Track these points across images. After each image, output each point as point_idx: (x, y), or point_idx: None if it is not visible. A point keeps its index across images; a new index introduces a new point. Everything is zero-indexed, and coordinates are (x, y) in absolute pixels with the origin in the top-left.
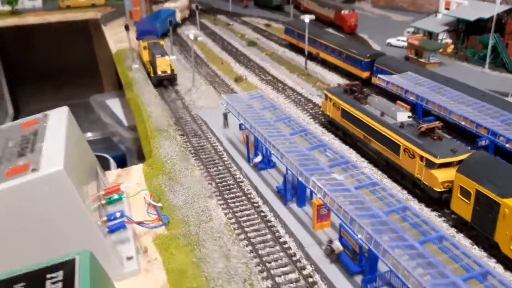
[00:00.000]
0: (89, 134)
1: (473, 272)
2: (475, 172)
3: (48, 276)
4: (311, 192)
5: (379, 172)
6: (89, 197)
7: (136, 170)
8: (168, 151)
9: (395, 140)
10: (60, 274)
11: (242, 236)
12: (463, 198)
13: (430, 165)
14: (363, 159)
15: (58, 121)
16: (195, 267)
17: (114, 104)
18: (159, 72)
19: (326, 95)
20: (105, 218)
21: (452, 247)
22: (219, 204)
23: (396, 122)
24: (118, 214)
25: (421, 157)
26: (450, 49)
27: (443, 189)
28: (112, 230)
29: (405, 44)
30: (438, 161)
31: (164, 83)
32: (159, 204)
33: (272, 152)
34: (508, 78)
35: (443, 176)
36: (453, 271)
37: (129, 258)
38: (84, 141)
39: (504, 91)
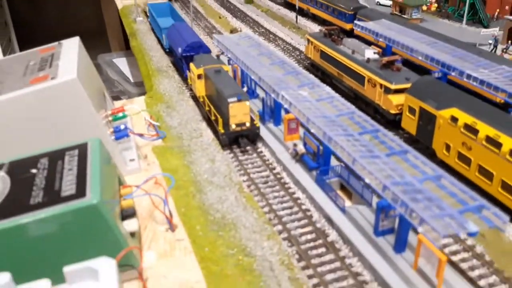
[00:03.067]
0: None
1: (428, 175)
2: (420, 92)
3: (67, 153)
4: (285, 111)
5: (348, 104)
6: (98, 109)
7: (139, 100)
8: (167, 87)
9: (361, 73)
10: (76, 152)
11: (226, 148)
12: (410, 115)
13: (387, 91)
14: (336, 94)
15: (71, 46)
16: (185, 167)
17: (121, 62)
18: (232, 125)
19: (308, 40)
20: (112, 130)
21: (414, 158)
22: (208, 126)
23: (363, 58)
24: (122, 127)
25: (381, 85)
26: (434, 7)
27: (397, 111)
28: (117, 138)
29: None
30: (393, 87)
31: (241, 143)
32: (157, 123)
33: (253, 77)
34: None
35: (397, 100)
36: (405, 169)
37: (131, 160)
38: (92, 67)
39: (474, 42)
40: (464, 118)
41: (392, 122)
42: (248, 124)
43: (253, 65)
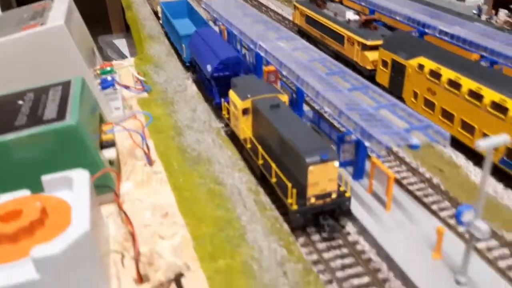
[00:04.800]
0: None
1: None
2: (393, 46)
3: (51, 88)
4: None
5: (321, 53)
6: (86, 58)
7: (128, 61)
8: (157, 50)
9: (341, 33)
10: (59, 88)
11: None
12: (383, 69)
13: (364, 47)
14: (311, 46)
15: (62, 2)
16: (167, 115)
17: (121, 43)
18: (311, 198)
19: (295, 6)
20: (99, 81)
21: (372, 92)
22: (193, 82)
23: (345, 19)
24: (109, 78)
25: (358, 43)
26: None
27: (372, 67)
28: (104, 88)
29: None
30: (369, 43)
31: (324, 226)
32: (144, 78)
33: (235, 32)
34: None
35: (372, 56)
36: (363, 100)
37: (116, 108)
38: (82, 23)
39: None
40: (430, 65)
41: (368, 78)
42: (334, 195)
43: (236, 22)
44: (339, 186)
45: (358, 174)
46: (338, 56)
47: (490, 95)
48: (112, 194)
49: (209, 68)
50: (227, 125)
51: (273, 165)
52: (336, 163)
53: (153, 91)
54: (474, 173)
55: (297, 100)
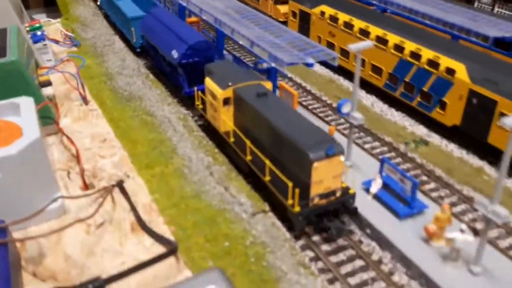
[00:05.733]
0: None
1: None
2: None
3: None
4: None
5: (240, 3)
6: (16, 14)
7: (55, 21)
8: (83, 12)
9: None
10: None
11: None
12: (293, 19)
13: (276, 1)
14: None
15: None
16: (98, 65)
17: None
18: (315, 198)
19: None
20: (30, 36)
21: (280, 29)
22: (121, 39)
23: None
24: (39, 33)
25: None
26: None
27: (284, 19)
28: (35, 42)
29: None
30: None
31: (328, 227)
32: (72, 34)
33: None
34: None
35: (283, 9)
36: (272, 36)
37: (48, 60)
38: None
39: None
40: (329, 11)
41: None
42: (338, 193)
43: None
44: (342, 183)
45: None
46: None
47: (375, 31)
48: (53, 126)
49: (175, 54)
50: (201, 116)
51: (267, 162)
52: (342, 157)
53: (82, 45)
54: (365, 98)
55: (217, 39)
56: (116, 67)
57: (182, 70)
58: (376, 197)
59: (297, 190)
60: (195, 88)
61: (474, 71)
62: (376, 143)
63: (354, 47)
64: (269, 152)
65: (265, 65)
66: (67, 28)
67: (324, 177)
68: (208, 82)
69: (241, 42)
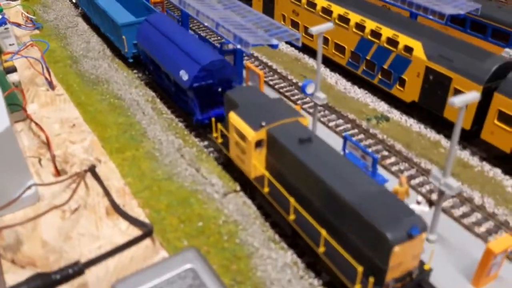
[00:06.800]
0: None
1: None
2: None
3: None
4: None
5: None
6: None
7: (15, 3)
8: None
9: None
10: None
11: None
12: (257, 1)
13: None
14: None
15: None
16: (62, 48)
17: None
18: (390, 284)
19: None
20: None
21: (245, 10)
22: (84, 20)
23: None
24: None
25: None
26: None
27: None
28: None
29: None
30: None
31: None
32: (34, 17)
33: None
34: None
35: None
36: (237, 17)
37: (11, 45)
38: None
39: None
40: None
41: None
42: (414, 274)
43: None
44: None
45: (239, 78)
46: None
47: (336, 9)
48: (21, 112)
49: (184, 76)
50: (213, 144)
51: (323, 232)
52: (425, 235)
53: (44, 28)
54: (329, 76)
55: (182, 19)
56: (81, 50)
57: (193, 94)
58: None
59: (371, 280)
60: (210, 115)
61: (431, 49)
62: (340, 121)
63: (315, 29)
64: (319, 214)
65: (231, 46)
66: (28, 10)
67: (404, 259)
68: (234, 118)
69: (206, 24)
